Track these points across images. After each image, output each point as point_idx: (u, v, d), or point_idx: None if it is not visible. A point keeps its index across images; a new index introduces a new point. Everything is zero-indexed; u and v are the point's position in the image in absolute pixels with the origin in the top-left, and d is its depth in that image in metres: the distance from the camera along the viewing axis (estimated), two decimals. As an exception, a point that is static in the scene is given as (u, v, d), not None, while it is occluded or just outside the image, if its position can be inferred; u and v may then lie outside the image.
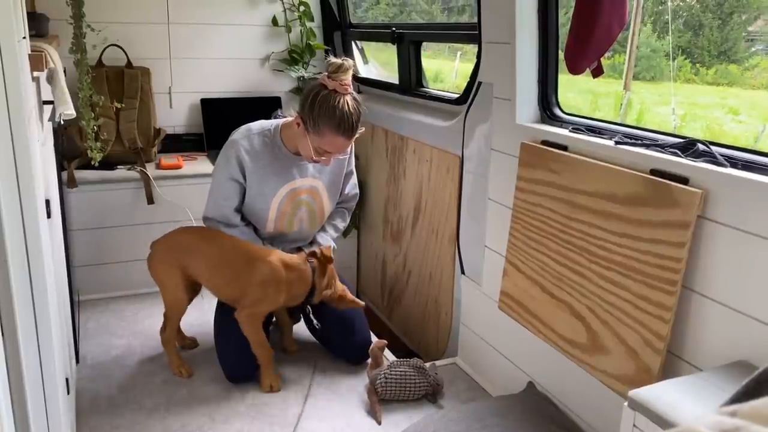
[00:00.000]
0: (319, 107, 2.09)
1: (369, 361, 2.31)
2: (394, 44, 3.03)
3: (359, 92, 3.44)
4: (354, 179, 2.53)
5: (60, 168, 2.52)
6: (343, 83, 2.09)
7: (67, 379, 1.76)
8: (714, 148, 1.53)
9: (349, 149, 2.32)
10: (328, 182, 2.40)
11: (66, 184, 2.72)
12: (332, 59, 2.10)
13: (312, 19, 3.41)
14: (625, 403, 1.31)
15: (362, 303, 2.35)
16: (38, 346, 1.33)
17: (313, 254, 2.26)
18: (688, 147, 1.57)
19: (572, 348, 1.84)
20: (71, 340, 2.20)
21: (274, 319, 2.48)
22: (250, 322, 2.18)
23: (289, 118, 2.31)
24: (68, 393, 1.79)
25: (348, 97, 2.10)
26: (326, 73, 2.11)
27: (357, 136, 2.19)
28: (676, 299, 1.51)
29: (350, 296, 2.31)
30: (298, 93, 3.45)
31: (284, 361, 2.42)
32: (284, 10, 3.39)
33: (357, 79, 3.47)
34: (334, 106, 2.07)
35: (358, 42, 3.55)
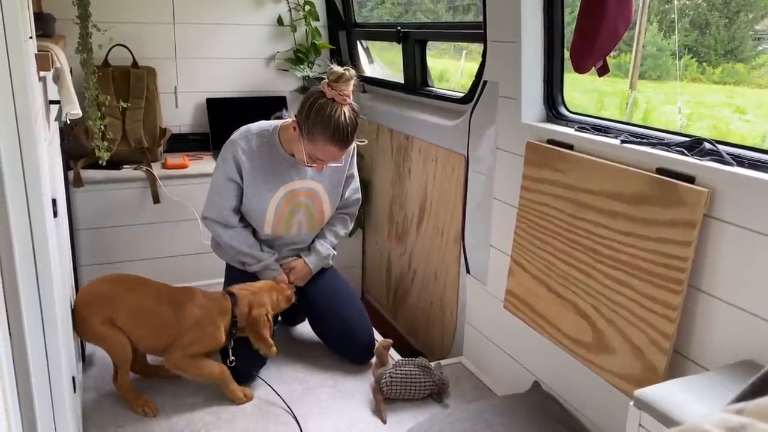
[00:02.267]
0: (315, 114, 2.08)
1: (374, 360, 2.31)
2: (399, 43, 3.03)
3: (364, 91, 3.44)
4: (355, 183, 2.51)
5: (66, 167, 2.53)
6: (342, 93, 2.08)
7: (73, 378, 1.77)
8: (720, 147, 1.53)
9: (343, 158, 2.29)
10: (328, 185, 2.39)
11: (72, 183, 2.73)
12: (334, 68, 2.08)
13: (317, 19, 3.41)
14: (631, 403, 1.31)
15: (274, 351, 2.19)
16: (45, 344, 1.34)
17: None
18: (694, 146, 1.57)
19: (578, 347, 1.83)
20: (78, 339, 2.21)
21: (279, 318, 2.48)
22: (184, 365, 2.08)
23: (288, 120, 2.31)
24: (75, 392, 1.80)
25: (346, 108, 2.09)
26: (326, 81, 2.10)
27: (354, 146, 2.18)
28: (682, 298, 1.50)
29: (267, 338, 2.17)
30: (304, 92, 3.45)
31: (290, 360, 2.42)
32: (289, 10, 3.39)
33: (362, 79, 3.47)
34: (330, 115, 2.06)
35: (363, 41, 3.55)
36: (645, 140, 1.70)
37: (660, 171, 1.58)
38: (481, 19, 2.30)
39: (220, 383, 2.14)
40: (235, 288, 2.20)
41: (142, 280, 2.16)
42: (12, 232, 1.19)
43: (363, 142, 2.30)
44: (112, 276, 2.17)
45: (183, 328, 2.07)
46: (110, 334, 2.04)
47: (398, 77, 3.20)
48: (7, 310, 1.18)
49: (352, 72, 2.09)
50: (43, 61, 1.53)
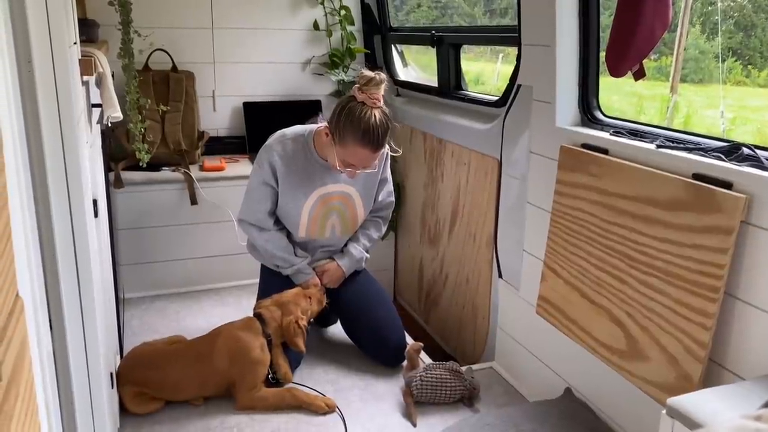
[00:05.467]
0: (346, 118, 2.10)
1: (405, 363, 2.31)
2: (433, 47, 3.03)
3: (398, 95, 3.45)
4: (389, 187, 2.52)
5: (107, 169, 2.60)
6: (373, 96, 2.10)
7: (111, 374, 1.81)
8: (759, 152, 1.50)
9: (375, 164, 2.29)
10: (362, 189, 2.41)
11: (113, 184, 2.80)
12: (365, 72, 2.11)
13: (352, 23, 3.44)
14: (663, 411, 1.28)
15: (303, 350, 2.21)
16: (84, 341, 1.38)
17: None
18: (732, 151, 1.54)
19: (611, 354, 1.81)
20: (116, 336, 2.26)
21: (312, 320, 2.50)
22: (253, 404, 2.11)
23: (322, 125, 2.34)
24: (112, 387, 1.85)
25: (376, 111, 2.11)
26: (357, 85, 2.12)
27: (388, 150, 2.19)
28: (718, 306, 1.47)
29: (299, 344, 2.19)
30: (339, 96, 3.48)
31: (321, 361, 2.44)
32: (325, 15, 3.42)
33: (396, 83, 3.48)
34: (360, 118, 2.08)
35: (397, 45, 3.56)
36: (681, 145, 1.68)
37: (696, 176, 1.56)
38: (516, 22, 2.29)
39: (296, 404, 2.14)
40: (263, 305, 2.24)
41: (162, 353, 2.17)
42: (54, 231, 1.23)
43: (398, 152, 2.31)
44: (135, 360, 2.16)
45: (226, 368, 2.11)
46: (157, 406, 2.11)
47: (433, 81, 3.20)
48: (49, 307, 1.22)
49: (383, 76, 2.11)
50: (87, 66, 1.58)
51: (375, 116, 2.10)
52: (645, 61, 1.80)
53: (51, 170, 1.21)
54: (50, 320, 1.23)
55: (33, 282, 0.95)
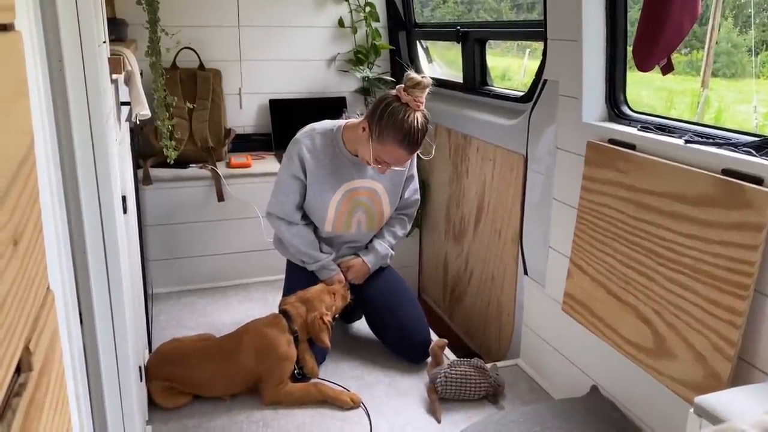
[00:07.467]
0: (388, 118, 2.12)
1: (429, 359, 2.31)
2: (458, 43, 3.02)
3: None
4: (415, 184, 2.53)
5: (136, 166, 2.64)
6: (417, 99, 2.13)
7: (140, 368, 1.85)
8: (792, 147, 1.46)
9: (407, 163, 2.32)
10: (389, 185, 2.42)
11: (141, 181, 2.85)
12: (412, 74, 2.14)
13: (377, 20, 3.44)
14: (691, 410, 1.27)
15: (328, 345, 2.23)
16: (113, 335, 1.40)
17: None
18: (762, 146, 1.51)
19: (638, 352, 1.79)
20: (145, 330, 2.30)
21: (336, 315, 2.51)
22: (279, 398, 2.13)
23: (353, 120, 2.35)
24: (141, 381, 1.88)
25: (419, 114, 2.14)
26: (402, 86, 2.14)
27: (422, 155, 2.21)
28: (748, 304, 1.45)
29: (324, 340, 2.20)
30: (363, 93, 3.49)
31: (346, 357, 2.46)
32: (350, 12, 3.43)
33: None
34: (403, 120, 2.11)
35: (422, 41, 3.56)
36: (710, 140, 1.65)
37: (726, 172, 1.53)
38: (542, 17, 2.27)
39: (322, 399, 2.16)
40: (288, 302, 2.25)
41: (186, 353, 2.18)
42: (84, 227, 1.26)
43: (429, 156, 2.31)
44: (161, 360, 2.18)
45: (255, 365, 2.13)
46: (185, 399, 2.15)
47: (458, 77, 3.19)
48: (79, 302, 1.25)
49: (429, 80, 2.14)
50: (115, 64, 1.61)
51: (417, 119, 2.13)
52: (674, 56, 1.78)
53: (81, 167, 1.23)
54: (80, 314, 1.25)
55: (63, 276, 0.97)
